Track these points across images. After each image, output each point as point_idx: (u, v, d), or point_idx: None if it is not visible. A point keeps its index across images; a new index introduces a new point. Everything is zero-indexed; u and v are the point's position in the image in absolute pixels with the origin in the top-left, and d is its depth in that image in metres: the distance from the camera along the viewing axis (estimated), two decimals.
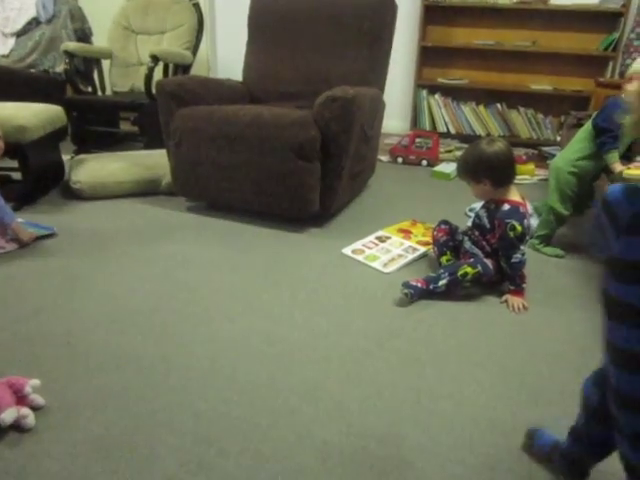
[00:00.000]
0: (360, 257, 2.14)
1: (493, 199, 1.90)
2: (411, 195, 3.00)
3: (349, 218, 2.61)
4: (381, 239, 2.31)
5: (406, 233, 2.34)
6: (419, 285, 1.83)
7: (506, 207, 1.85)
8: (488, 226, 1.92)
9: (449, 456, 1.19)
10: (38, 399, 1.30)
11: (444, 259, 2.02)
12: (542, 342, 1.64)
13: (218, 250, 2.21)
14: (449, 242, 2.05)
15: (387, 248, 2.22)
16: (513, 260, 1.83)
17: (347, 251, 2.19)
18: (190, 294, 1.85)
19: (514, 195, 1.88)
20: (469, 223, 2.10)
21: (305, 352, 1.55)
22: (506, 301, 1.85)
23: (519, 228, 1.80)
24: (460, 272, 1.85)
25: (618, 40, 3.66)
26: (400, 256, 2.15)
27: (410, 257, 2.14)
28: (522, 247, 1.84)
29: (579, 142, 2.19)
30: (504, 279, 1.92)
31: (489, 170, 1.82)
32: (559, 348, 1.60)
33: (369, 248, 2.22)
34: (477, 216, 1.99)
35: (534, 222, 2.36)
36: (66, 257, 2.11)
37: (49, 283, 1.91)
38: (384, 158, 3.72)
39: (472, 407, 1.35)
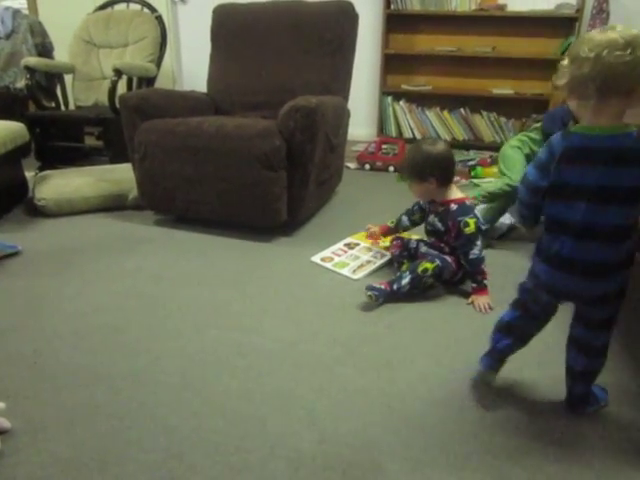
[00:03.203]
0: (329, 264, 2.16)
1: (440, 201, 1.97)
2: (379, 201, 3.03)
3: (317, 226, 2.63)
4: (350, 246, 2.33)
5: (374, 239, 2.36)
6: (382, 287, 1.85)
7: (454, 207, 1.93)
8: (443, 229, 1.98)
9: (421, 458, 1.21)
10: (4, 422, 1.27)
11: (404, 268, 2.03)
12: None
13: (186, 263, 2.20)
14: (404, 253, 2.10)
15: (356, 254, 2.24)
16: (471, 257, 1.89)
17: (316, 259, 2.21)
18: (159, 308, 1.84)
19: (456, 193, 1.97)
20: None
21: (275, 362, 1.55)
22: (472, 302, 1.89)
23: (472, 223, 1.88)
24: (420, 269, 1.90)
25: None
26: (369, 262, 2.17)
27: (379, 262, 2.16)
28: (478, 243, 1.90)
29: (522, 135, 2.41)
30: (466, 277, 1.97)
31: (436, 169, 1.89)
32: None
33: (338, 255, 2.24)
34: (429, 224, 2.04)
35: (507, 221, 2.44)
36: (31, 276, 2.08)
37: (14, 303, 1.88)
38: (352, 165, 3.75)
39: (442, 408, 1.37)
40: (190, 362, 1.55)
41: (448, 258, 1.95)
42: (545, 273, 1.23)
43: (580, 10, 3.72)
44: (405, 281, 1.88)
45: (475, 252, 1.89)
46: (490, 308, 1.85)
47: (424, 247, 2.06)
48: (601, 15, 3.78)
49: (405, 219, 2.16)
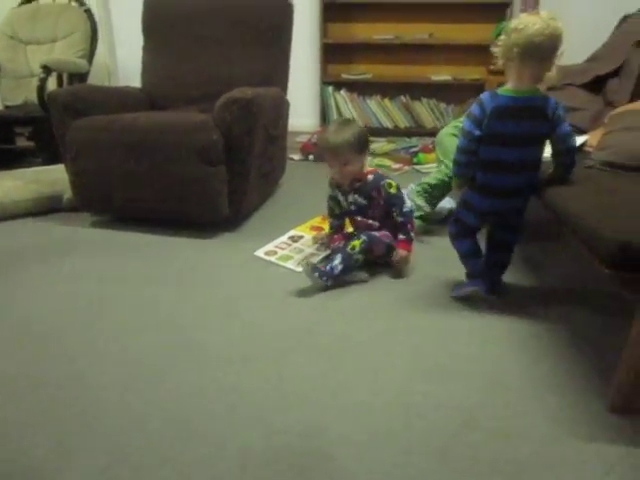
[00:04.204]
0: (273, 258, 2.14)
1: (356, 178, 2.02)
2: (322, 191, 2.99)
3: (261, 219, 2.60)
4: (294, 239, 2.32)
5: (318, 230, 2.36)
6: (322, 269, 1.88)
7: (371, 177, 2.02)
8: (366, 202, 2.04)
9: (369, 445, 1.22)
10: None
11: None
12: (455, 321, 1.70)
13: (125, 264, 2.13)
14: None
15: (299, 247, 2.23)
16: (405, 209, 2.00)
17: (260, 253, 2.18)
18: (100, 311, 1.78)
19: (366, 167, 2.06)
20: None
21: (222, 358, 1.53)
22: (396, 255, 2.00)
23: (393, 182, 2.01)
24: (349, 248, 1.94)
25: None
26: (312, 255, 2.16)
27: (322, 254, 2.16)
28: (405, 198, 2.04)
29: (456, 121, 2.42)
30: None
31: (366, 143, 2.00)
32: (468, 326, 1.67)
33: (282, 249, 2.22)
34: (351, 204, 2.08)
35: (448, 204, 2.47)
36: None
37: None
38: (296, 157, 3.74)
39: (388, 394, 1.38)
40: (132, 364, 1.51)
41: (376, 234, 2.00)
42: (480, 201, 1.67)
43: None
44: (337, 262, 1.91)
45: (407, 205, 2.02)
46: (408, 261, 2.02)
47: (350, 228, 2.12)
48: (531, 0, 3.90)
49: (334, 221, 2.21)
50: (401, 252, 1.99)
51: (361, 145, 1.96)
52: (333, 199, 2.15)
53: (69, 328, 1.69)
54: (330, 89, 4.25)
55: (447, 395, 1.37)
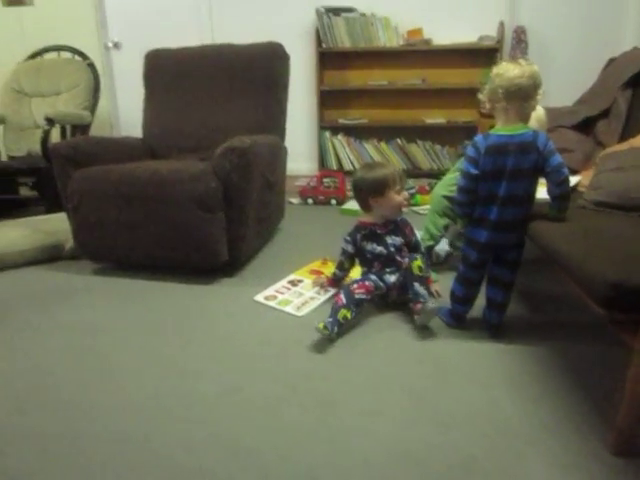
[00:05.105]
0: (273, 303, 2.15)
1: (389, 220, 2.09)
2: (322, 234, 3.06)
3: (261, 264, 2.62)
4: (293, 283, 2.33)
5: (317, 274, 2.37)
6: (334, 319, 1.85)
7: (399, 217, 2.11)
8: (402, 240, 2.10)
9: None
10: None
11: (342, 313, 1.88)
12: (453, 364, 1.70)
13: (126, 311, 2.14)
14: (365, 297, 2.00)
15: (299, 291, 2.24)
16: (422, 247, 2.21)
17: (259, 298, 2.19)
18: (98, 361, 1.78)
19: None
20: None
21: (220, 407, 1.52)
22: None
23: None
24: (415, 270, 1.96)
25: None
26: (312, 298, 2.17)
27: (322, 298, 2.17)
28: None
29: (456, 170, 2.35)
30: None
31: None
32: (467, 369, 1.67)
33: (281, 293, 2.23)
34: (390, 245, 2.06)
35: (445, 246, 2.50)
36: None
37: None
38: (295, 200, 3.79)
39: (386, 440, 1.37)
40: (131, 415, 1.50)
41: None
42: (482, 236, 1.72)
43: (500, 41, 3.92)
44: (422, 290, 1.94)
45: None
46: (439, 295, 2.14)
47: (391, 276, 2.07)
48: (520, 45, 4.02)
49: (340, 274, 2.20)
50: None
51: (401, 183, 2.06)
52: (349, 256, 2.14)
53: (67, 380, 1.68)
54: (327, 134, 4.33)
55: (447, 440, 1.36)
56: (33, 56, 4.00)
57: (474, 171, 1.67)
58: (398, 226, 2.09)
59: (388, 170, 2.03)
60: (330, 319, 1.84)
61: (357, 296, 1.93)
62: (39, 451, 1.36)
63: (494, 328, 1.86)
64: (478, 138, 1.68)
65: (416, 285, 1.94)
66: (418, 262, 1.96)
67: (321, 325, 1.80)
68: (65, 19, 4.34)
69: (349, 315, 1.88)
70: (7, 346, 1.91)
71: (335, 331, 1.82)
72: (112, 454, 1.35)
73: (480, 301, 1.89)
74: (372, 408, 1.50)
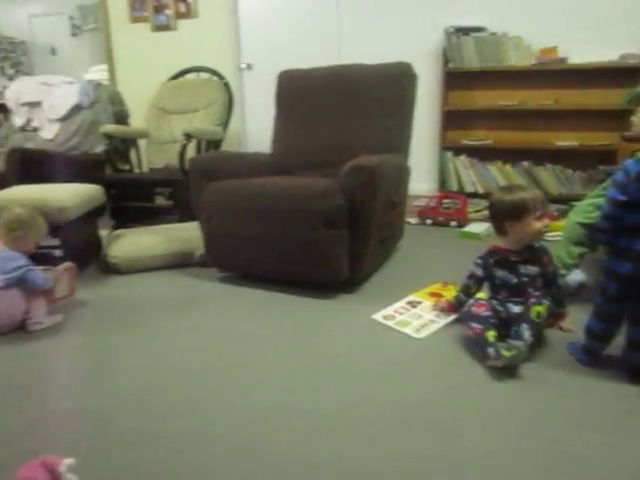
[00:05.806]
0: (391, 323, 2.13)
1: (526, 245, 1.94)
2: (441, 257, 3.00)
3: (379, 283, 2.62)
4: (412, 304, 2.30)
5: (437, 297, 2.32)
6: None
7: (536, 243, 1.96)
8: (538, 269, 1.94)
9: None
10: (73, 478, 1.30)
11: (490, 334, 1.81)
12: (581, 412, 1.57)
13: (248, 320, 2.23)
14: (491, 318, 1.89)
15: (418, 313, 2.21)
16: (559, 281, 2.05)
17: (378, 317, 2.18)
18: (219, 366, 1.86)
19: None
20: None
21: (333, 425, 1.51)
22: (561, 327, 2.01)
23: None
24: (533, 314, 1.82)
25: None
26: (432, 321, 2.13)
27: (442, 322, 2.11)
28: None
29: (595, 196, 2.20)
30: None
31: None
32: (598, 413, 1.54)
33: (400, 314, 2.21)
34: (523, 275, 1.93)
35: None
36: (99, 331, 2.17)
37: (82, 358, 1.96)
38: (413, 220, 3.75)
39: (507, 476, 1.29)
40: (247, 423, 1.53)
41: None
42: (625, 268, 1.59)
43: None
44: (527, 333, 1.77)
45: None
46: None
47: (515, 306, 1.92)
48: None
49: (464, 298, 2.09)
50: (563, 322, 2.03)
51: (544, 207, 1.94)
52: (478, 280, 2.04)
53: (189, 383, 1.77)
54: (449, 154, 4.26)
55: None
56: (176, 77, 4.34)
57: (621, 197, 1.56)
58: (536, 253, 1.94)
59: (528, 194, 1.88)
60: (489, 349, 1.74)
61: (484, 314, 1.88)
62: (167, 450, 1.43)
63: (633, 371, 1.70)
64: (628, 162, 1.56)
65: (524, 326, 1.79)
66: (540, 309, 1.83)
67: (489, 363, 1.74)
68: (204, 42, 4.67)
69: (495, 332, 1.81)
70: (140, 345, 2.05)
71: (506, 354, 1.70)
72: (232, 461, 1.38)
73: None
74: (494, 441, 1.42)
